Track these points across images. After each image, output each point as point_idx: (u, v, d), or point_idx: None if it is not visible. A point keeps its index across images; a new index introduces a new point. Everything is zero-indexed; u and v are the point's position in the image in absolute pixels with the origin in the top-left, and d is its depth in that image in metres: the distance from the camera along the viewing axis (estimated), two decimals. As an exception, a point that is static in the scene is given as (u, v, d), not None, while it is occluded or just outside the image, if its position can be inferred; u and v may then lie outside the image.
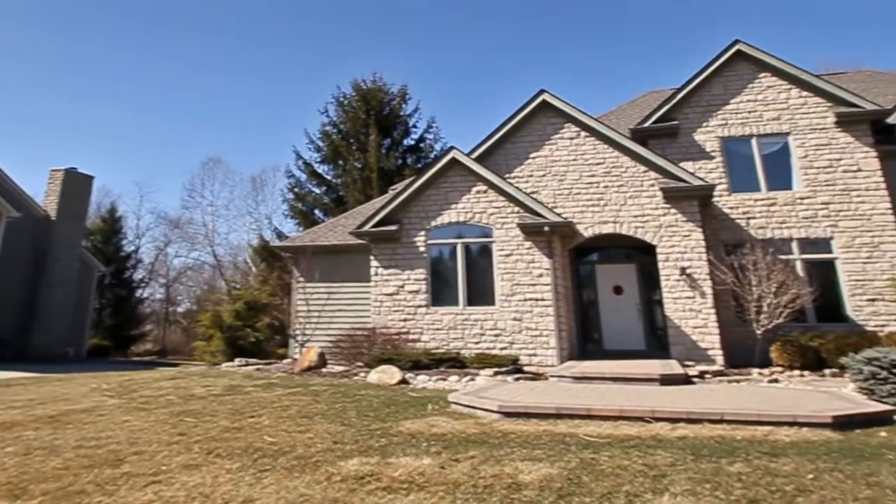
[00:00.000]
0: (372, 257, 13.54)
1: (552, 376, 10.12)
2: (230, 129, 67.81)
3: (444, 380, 10.05)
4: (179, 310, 47.56)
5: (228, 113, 69.08)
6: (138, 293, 38.74)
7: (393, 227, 13.40)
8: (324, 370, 11.43)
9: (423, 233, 13.38)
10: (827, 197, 13.23)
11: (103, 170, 62.92)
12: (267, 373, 11.42)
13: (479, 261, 13.05)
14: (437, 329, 12.56)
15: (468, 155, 13.67)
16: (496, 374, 10.39)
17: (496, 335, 12.22)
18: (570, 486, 4.01)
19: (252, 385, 9.30)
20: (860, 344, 10.15)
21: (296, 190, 30.81)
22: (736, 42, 14.57)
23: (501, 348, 12.04)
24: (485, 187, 13.29)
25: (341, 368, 11.60)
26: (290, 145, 55.07)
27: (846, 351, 9.06)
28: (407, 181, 15.90)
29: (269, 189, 49.24)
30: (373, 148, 28.85)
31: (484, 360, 11.14)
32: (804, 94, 14.07)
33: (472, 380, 9.98)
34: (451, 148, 13.82)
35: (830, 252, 12.98)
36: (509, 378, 10.14)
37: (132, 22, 63.03)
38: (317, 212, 30.05)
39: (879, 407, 6.67)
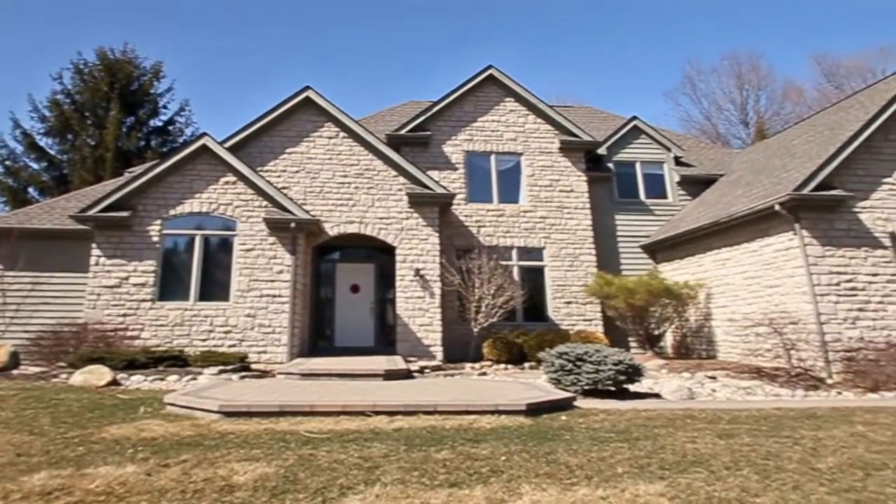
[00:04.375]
0: (94, 245, 12.32)
1: (280, 373, 10.27)
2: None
3: (163, 380, 9.63)
4: None
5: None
6: None
7: (125, 214, 12.37)
8: (15, 372, 10.18)
9: (158, 221, 12.61)
10: (545, 212, 15.51)
11: None
12: (-64, 377, 9.91)
13: (219, 254, 12.72)
14: (162, 325, 11.92)
15: (221, 144, 13.21)
16: (221, 372, 10.24)
17: (226, 332, 12.01)
18: (286, 483, 4.11)
19: None
20: (556, 340, 12.07)
21: (7, 163, 26.39)
22: (489, 67, 16.30)
23: (230, 346, 11.85)
24: (234, 179, 13.01)
25: (39, 370, 10.43)
26: (8, 111, 46.22)
27: (544, 347, 10.49)
28: (148, 165, 14.89)
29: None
30: (112, 125, 26.18)
31: (210, 359, 10.87)
32: (539, 120, 16.36)
33: (195, 379, 9.73)
34: (203, 134, 13.18)
35: (542, 260, 15.22)
36: (235, 376, 10.05)
37: None
38: (31, 190, 26.39)
39: (564, 394, 7.95)
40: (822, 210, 11.17)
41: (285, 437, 5.54)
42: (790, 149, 14.54)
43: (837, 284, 10.83)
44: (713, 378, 10.41)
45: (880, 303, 10.84)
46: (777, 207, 11.21)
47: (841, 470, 4.66)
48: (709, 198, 15.74)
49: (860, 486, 4.24)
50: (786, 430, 6.18)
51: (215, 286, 12.47)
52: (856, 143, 11.54)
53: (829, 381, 10.05)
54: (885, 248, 11.20)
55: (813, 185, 11.09)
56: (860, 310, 10.75)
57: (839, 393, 9.39)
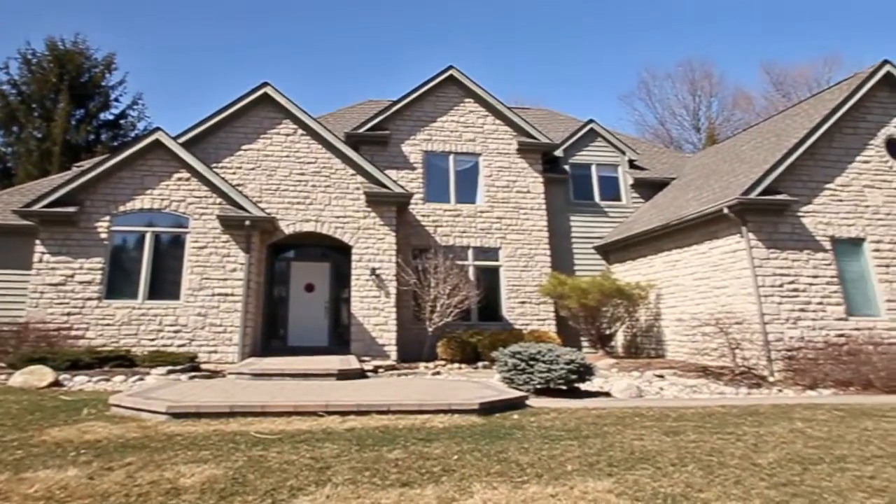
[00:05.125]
0: (38, 241, 11.83)
1: (231, 374, 10.08)
2: None
3: (108, 380, 9.39)
4: None
5: None
6: None
7: (72, 209, 11.92)
8: (-50, 373, 9.80)
9: (107, 218, 12.19)
10: (501, 212, 15.61)
11: None
12: None
13: (170, 252, 12.37)
14: (108, 324, 11.53)
15: (175, 139, 12.87)
16: (170, 372, 10.00)
17: (176, 331, 11.70)
18: (235, 485, 4.02)
19: None
20: (509, 340, 12.13)
21: (-53, 155, 25.21)
22: (450, 67, 16.32)
23: (180, 345, 11.56)
24: (188, 175, 12.69)
25: (-24, 371, 10.07)
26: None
27: (498, 346, 10.48)
28: (98, 159, 14.36)
29: None
30: (60, 117, 25.22)
31: (158, 359, 10.58)
32: (497, 121, 16.42)
33: (142, 379, 9.50)
34: (157, 129, 12.81)
35: (497, 260, 15.31)
36: (184, 377, 9.86)
37: None
38: (-27, 184, 25.14)
39: (516, 393, 8.00)
40: (767, 214, 11.50)
41: (235, 439, 5.44)
42: (739, 154, 14.89)
43: (781, 286, 11.16)
44: (661, 377, 10.63)
45: (820, 304, 11.21)
46: (725, 211, 11.48)
47: (780, 465, 4.82)
48: (661, 200, 16.04)
49: (798, 480, 4.39)
50: (729, 427, 6.35)
51: (165, 284, 12.15)
52: (800, 150, 11.90)
53: (771, 379, 10.36)
54: (826, 251, 11.59)
55: (759, 189, 11.39)
56: (801, 310, 11.09)
57: (780, 390, 9.71)
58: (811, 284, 11.32)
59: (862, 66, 14.03)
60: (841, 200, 12.05)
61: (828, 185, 12.08)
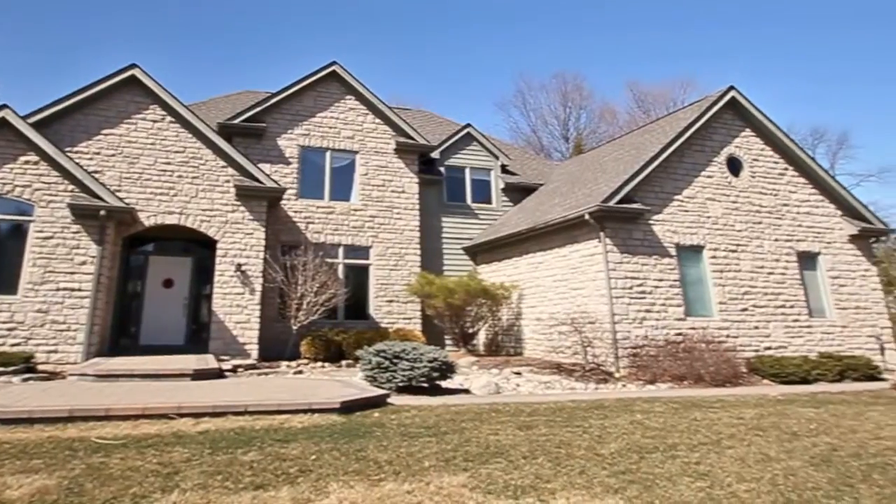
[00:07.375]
0: None
1: (73, 375, 9.35)
2: None
3: (-81, 386, 8.39)
4: None
5: None
6: None
7: None
8: None
9: (-66, 202, 10.84)
10: (375, 211, 15.51)
11: None
12: None
13: (8, 242, 11.08)
14: (-75, 323, 10.24)
15: (25, 118, 11.56)
16: (0, 374, 9.15)
17: (10, 329, 10.50)
18: (69, 496, 3.73)
19: None
20: (375, 338, 12.06)
21: None
22: (333, 63, 15.90)
23: (13, 345, 10.39)
24: (36, 158, 11.42)
25: None
26: None
27: (363, 345, 10.41)
28: (-72, 136, 12.66)
29: None
30: None
31: (-14, 359, 9.61)
32: (377, 120, 16.25)
33: (-36, 383, 8.60)
34: (3, 106, 11.45)
35: (368, 259, 15.21)
36: (16, 379, 9.00)
37: None
38: None
39: (379, 392, 7.96)
40: (623, 221, 12.14)
41: (73, 445, 5.06)
42: (602, 164, 15.65)
43: (630, 288, 11.83)
44: (519, 374, 10.98)
45: (663, 305, 12.05)
46: (587, 217, 11.94)
47: (621, 454, 5.15)
48: (529, 205, 16.60)
49: (635, 468, 4.71)
50: (577, 421, 6.68)
51: (1, 277, 10.90)
52: (655, 164, 12.65)
53: (618, 375, 11.00)
54: (671, 256, 12.46)
55: (618, 198, 11.95)
56: (647, 311, 11.84)
57: (624, 385, 10.35)
58: (657, 287, 12.11)
59: (712, 90, 15.20)
60: (687, 211, 12.99)
61: (676, 197, 12.98)
